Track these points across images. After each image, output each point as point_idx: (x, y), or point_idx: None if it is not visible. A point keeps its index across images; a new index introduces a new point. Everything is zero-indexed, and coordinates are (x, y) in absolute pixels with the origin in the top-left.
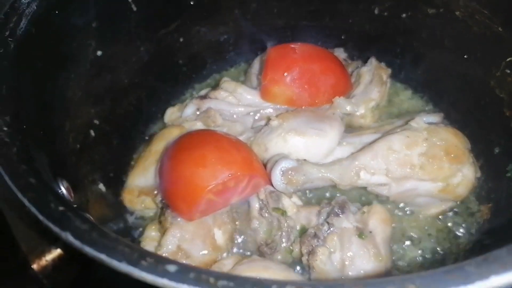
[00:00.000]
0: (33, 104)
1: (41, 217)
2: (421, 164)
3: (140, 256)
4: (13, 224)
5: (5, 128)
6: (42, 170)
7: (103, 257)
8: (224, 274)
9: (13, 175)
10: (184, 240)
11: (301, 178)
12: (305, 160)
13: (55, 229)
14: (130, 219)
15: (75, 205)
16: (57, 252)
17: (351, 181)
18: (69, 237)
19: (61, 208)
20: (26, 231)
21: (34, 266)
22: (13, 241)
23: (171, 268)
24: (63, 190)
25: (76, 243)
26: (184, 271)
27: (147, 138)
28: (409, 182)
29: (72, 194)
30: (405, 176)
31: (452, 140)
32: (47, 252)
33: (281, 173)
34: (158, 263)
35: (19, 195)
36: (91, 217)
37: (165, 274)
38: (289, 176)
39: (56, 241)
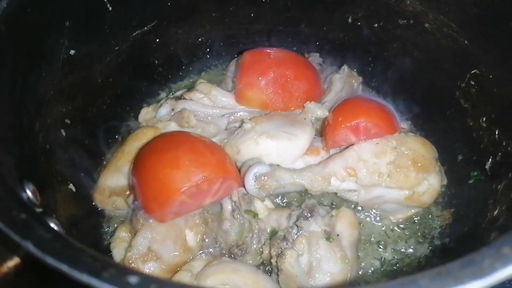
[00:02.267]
0: (2, 105)
1: (1, 225)
2: (389, 173)
3: (102, 267)
4: None
5: None
6: (6, 173)
7: (64, 268)
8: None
9: None
10: (155, 241)
11: (274, 184)
12: (278, 165)
13: (16, 237)
14: (101, 219)
15: (41, 209)
16: (19, 259)
17: (321, 187)
18: (30, 246)
19: (23, 216)
20: None
21: None
22: None
23: (133, 279)
24: (29, 193)
25: (37, 253)
26: (145, 283)
27: (120, 138)
28: (377, 189)
29: (39, 197)
30: (374, 183)
31: (419, 149)
32: (8, 259)
33: (254, 178)
34: (120, 274)
35: None
36: (57, 222)
37: (127, 286)
38: (262, 182)
39: (18, 248)
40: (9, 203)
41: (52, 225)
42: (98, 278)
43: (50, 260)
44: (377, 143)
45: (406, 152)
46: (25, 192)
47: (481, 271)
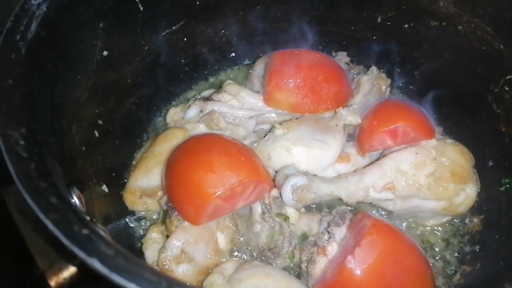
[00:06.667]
0: (45, 110)
1: (66, 242)
2: (428, 185)
3: (168, 285)
4: (29, 239)
5: (21, 142)
6: (59, 183)
7: (132, 286)
8: None
9: (34, 194)
10: (188, 243)
11: (311, 196)
12: (314, 175)
13: (81, 254)
14: (131, 219)
15: (88, 217)
16: (74, 269)
17: (359, 198)
18: (96, 263)
19: (85, 231)
20: (43, 246)
21: (51, 283)
22: (29, 257)
23: None
24: (75, 200)
25: (104, 270)
26: None
27: (148, 137)
28: (414, 200)
29: (83, 203)
30: (411, 194)
31: (459, 160)
32: (64, 269)
33: (292, 190)
34: None
35: (42, 217)
36: (104, 229)
37: None
38: (300, 194)
39: (73, 258)
40: (69, 218)
41: (102, 233)
42: None
43: (117, 278)
44: (416, 153)
45: (446, 163)
46: (73, 199)
47: None
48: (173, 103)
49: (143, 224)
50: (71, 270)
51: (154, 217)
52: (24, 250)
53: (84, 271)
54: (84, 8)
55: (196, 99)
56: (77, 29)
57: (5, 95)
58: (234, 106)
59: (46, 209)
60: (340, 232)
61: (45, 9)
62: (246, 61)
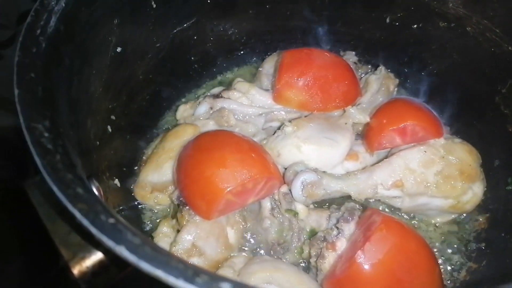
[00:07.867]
0: (63, 104)
1: (94, 231)
2: (436, 183)
3: (195, 273)
4: (53, 231)
5: (46, 134)
6: (82, 174)
7: (159, 273)
8: None
9: (61, 185)
10: (199, 238)
11: (321, 192)
12: (324, 172)
13: (109, 242)
14: (141, 213)
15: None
16: (96, 258)
17: (368, 195)
18: (124, 251)
19: (111, 220)
20: (66, 237)
21: (75, 272)
22: (53, 248)
23: (225, 286)
24: (96, 192)
25: (132, 258)
26: None
27: (158, 133)
28: (422, 198)
29: (102, 193)
30: (419, 192)
31: (467, 159)
32: (87, 258)
33: (302, 186)
34: (213, 280)
35: (70, 207)
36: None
37: None
38: (310, 190)
39: (97, 247)
40: (96, 208)
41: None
42: (194, 284)
43: (145, 266)
44: (425, 151)
45: (454, 161)
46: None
47: None
48: (183, 100)
49: (152, 217)
50: (93, 259)
51: (163, 211)
52: (48, 242)
53: (108, 260)
54: (99, 4)
55: (206, 96)
56: (93, 25)
57: (28, 87)
58: (244, 103)
59: (73, 199)
60: (349, 228)
61: (64, 4)
62: (254, 59)
